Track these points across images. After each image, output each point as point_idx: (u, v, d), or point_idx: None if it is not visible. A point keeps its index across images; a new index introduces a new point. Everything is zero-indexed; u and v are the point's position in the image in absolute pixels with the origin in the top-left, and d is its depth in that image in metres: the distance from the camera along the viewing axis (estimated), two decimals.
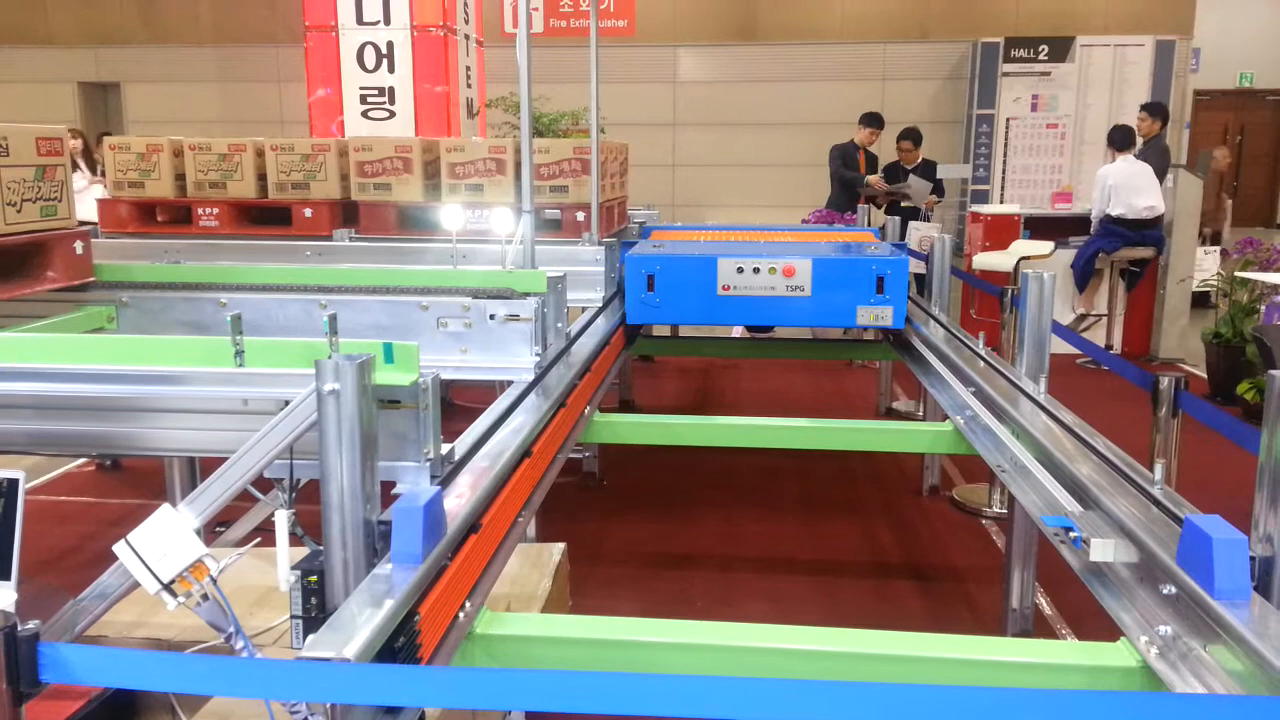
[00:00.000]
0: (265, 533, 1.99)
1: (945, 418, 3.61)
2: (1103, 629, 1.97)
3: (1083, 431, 2.55)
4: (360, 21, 6.72)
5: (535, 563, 2.95)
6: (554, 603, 2.84)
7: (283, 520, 1.80)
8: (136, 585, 1.58)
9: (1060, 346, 3.57)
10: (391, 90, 6.79)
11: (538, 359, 2.83)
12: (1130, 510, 2.01)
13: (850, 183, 8.29)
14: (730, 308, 4.21)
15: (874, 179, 8.15)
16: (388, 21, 6.71)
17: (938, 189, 8.46)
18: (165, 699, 2.38)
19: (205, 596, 1.57)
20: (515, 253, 3.51)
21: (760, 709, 1.23)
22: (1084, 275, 7.75)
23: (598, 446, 4.97)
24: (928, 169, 8.49)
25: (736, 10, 11.44)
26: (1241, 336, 6.37)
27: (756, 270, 4.15)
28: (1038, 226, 8.18)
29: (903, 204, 8.07)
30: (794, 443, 3.80)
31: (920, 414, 5.76)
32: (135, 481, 5.01)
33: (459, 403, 5.71)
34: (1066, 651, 2.02)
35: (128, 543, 1.54)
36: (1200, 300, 8.07)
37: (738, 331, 7.71)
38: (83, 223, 3.12)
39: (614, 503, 4.77)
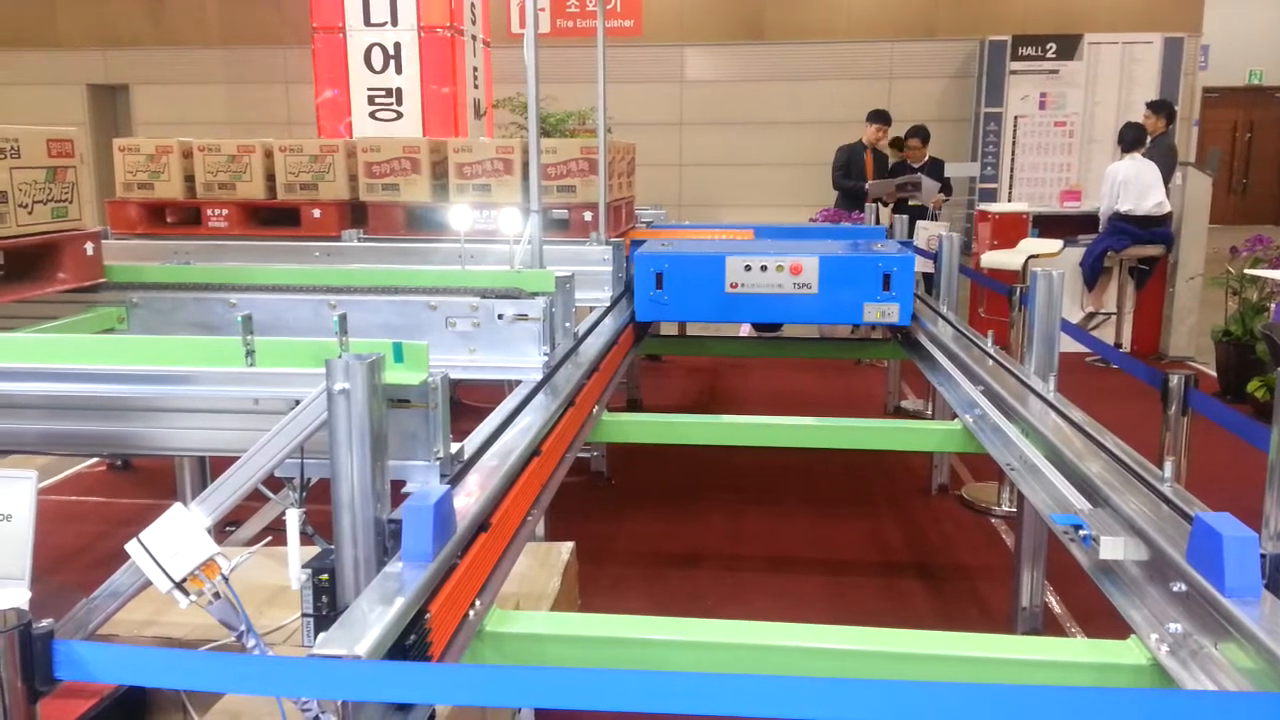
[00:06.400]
0: (276, 532, 2.01)
1: (954, 416, 3.61)
2: (1113, 627, 1.97)
3: (1092, 429, 2.55)
4: (367, 23, 6.73)
5: (544, 561, 2.95)
6: (563, 601, 2.84)
7: (293, 519, 1.81)
8: (148, 584, 1.59)
9: (1069, 345, 3.56)
10: (399, 91, 6.80)
11: (546, 358, 2.84)
12: (1140, 508, 2.01)
13: (851, 192, 8.22)
14: (738, 305, 4.22)
15: (874, 184, 8.08)
16: (395, 22, 6.72)
17: (946, 187, 8.44)
18: (176, 697, 2.38)
19: (217, 595, 1.58)
20: (523, 252, 3.52)
21: (768, 706, 1.23)
22: (1093, 273, 7.73)
23: (605, 446, 4.97)
24: (935, 167, 8.47)
25: (743, 9, 11.43)
26: (1251, 334, 6.35)
27: (764, 268, 4.15)
28: (1046, 224, 8.15)
29: (910, 203, 8.04)
30: (802, 442, 3.80)
31: (929, 412, 5.75)
32: (146, 481, 5.03)
33: (467, 402, 5.72)
34: (1076, 649, 2.02)
35: (140, 541, 1.54)
36: None
37: (745, 330, 7.70)
38: None
39: (622, 502, 4.77)
